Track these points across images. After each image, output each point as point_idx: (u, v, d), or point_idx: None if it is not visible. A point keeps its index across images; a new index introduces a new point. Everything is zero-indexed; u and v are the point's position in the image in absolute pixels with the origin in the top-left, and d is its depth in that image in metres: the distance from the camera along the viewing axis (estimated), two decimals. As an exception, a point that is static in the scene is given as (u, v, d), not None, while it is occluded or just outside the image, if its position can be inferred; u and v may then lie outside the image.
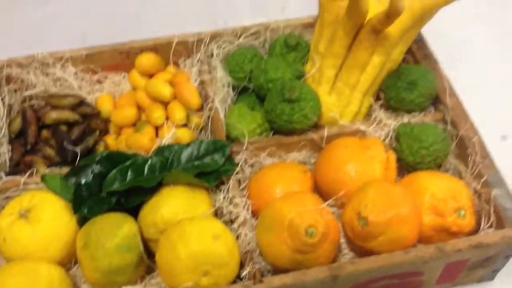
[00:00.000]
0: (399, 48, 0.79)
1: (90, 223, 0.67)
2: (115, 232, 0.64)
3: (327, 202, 0.67)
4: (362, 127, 0.78)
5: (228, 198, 0.71)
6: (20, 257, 0.65)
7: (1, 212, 0.68)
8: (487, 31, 1.05)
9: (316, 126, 0.78)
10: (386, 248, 0.65)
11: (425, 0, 0.73)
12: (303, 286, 0.63)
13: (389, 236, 0.65)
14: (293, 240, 0.62)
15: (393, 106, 0.79)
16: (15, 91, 0.85)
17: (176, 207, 0.68)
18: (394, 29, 0.74)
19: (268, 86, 0.80)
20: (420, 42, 0.85)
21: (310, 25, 0.89)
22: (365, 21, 0.73)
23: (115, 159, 0.71)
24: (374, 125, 0.78)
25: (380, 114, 0.80)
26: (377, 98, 0.82)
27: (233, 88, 0.85)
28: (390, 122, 0.78)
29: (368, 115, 0.82)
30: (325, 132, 0.77)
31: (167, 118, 0.82)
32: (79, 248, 0.65)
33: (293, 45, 0.84)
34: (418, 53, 0.84)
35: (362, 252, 0.68)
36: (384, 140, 0.77)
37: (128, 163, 0.71)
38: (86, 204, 0.69)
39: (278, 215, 0.65)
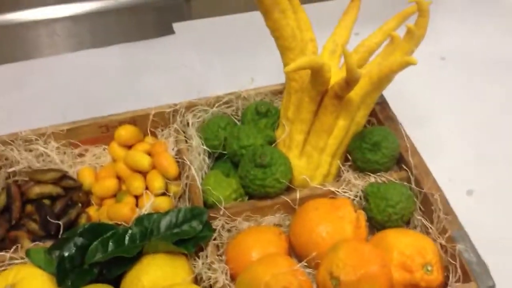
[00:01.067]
0: (362, 111, 0.84)
1: None
2: (98, 304, 0.66)
3: (300, 264, 0.70)
4: (332, 188, 0.82)
5: (206, 263, 0.74)
6: (6, 333, 0.67)
7: (-14, 290, 0.70)
8: (449, 90, 1.12)
9: (289, 189, 0.82)
10: (360, 307, 0.68)
11: (381, 66, 0.78)
12: None
13: (361, 294, 0.68)
14: (269, 303, 0.65)
15: (360, 167, 0.84)
16: (0, 168, 0.88)
17: (157, 276, 0.70)
18: (355, 93, 0.79)
19: (241, 152, 0.84)
20: (382, 104, 0.91)
21: (279, 92, 0.94)
22: (329, 88, 0.79)
23: (97, 230, 0.74)
24: (343, 186, 0.82)
25: (348, 175, 0.84)
26: (346, 160, 0.86)
27: (209, 155, 0.90)
28: (359, 183, 0.82)
29: (338, 176, 0.86)
30: (297, 194, 0.81)
31: (146, 188, 0.86)
32: None
33: (263, 112, 0.89)
34: (381, 114, 0.90)
35: (336, 310, 0.70)
36: (353, 200, 0.81)
37: (109, 234, 0.74)
38: (69, 277, 0.71)
39: (254, 278, 0.68)
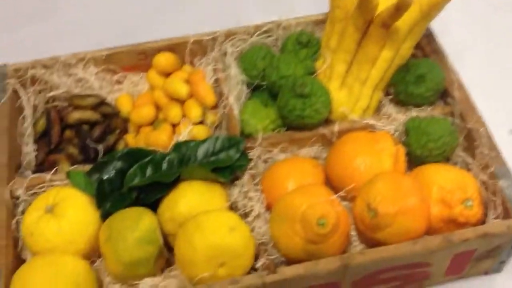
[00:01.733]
0: (408, 43, 0.81)
1: (112, 217, 0.70)
2: (136, 226, 0.68)
3: (338, 194, 0.69)
4: (372, 122, 0.80)
5: (242, 192, 0.74)
6: (46, 251, 0.69)
7: (28, 208, 0.72)
8: (495, 25, 1.06)
9: (327, 122, 0.81)
10: (394, 239, 0.67)
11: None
12: (315, 276, 0.66)
13: (398, 227, 0.67)
14: (305, 231, 0.65)
15: (402, 101, 0.81)
16: (39, 92, 0.88)
17: (193, 202, 0.71)
18: (403, 23, 0.76)
19: (280, 82, 0.82)
20: (429, 36, 0.87)
21: (321, 22, 0.91)
22: (375, 16, 0.75)
23: (135, 155, 0.75)
24: (383, 119, 0.80)
25: (389, 108, 0.82)
26: (387, 93, 0.84)
27: (247, 86, 0.88)
28: (399, 117, 0.80)
29: (377, 110, 0.84)
30: (336, 127, 0.80)
31: (183, 116, 0.85)
32: (102, 242, 0.69)
33: (304, 42, 0.86)
34: (427, 47, 0.86)
35: (372, 243, 0.70)
36: (393, 134, 0.79)
37: (147, 159, 0.74)
38: (108, 200, 0.72)
39: (290, 207, 0.67)
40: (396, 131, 0.80)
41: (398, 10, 0.72)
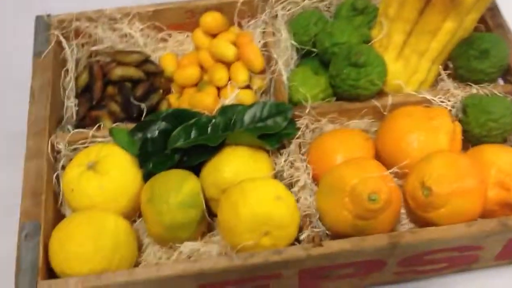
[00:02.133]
0: (472, 15, 0.76)
1: (154, 178, 0.68)
2: (179, 188, 0.66)
3: (390, 170, 0.66)
4: (428, 97, 0.76)
5: (288, 161, 0.72)
6: (87, 208, 0.68)
7: (69, 164, 0.71)
8: None
9: (380, 94, 0.77)
10: (447, 220, 0.64)
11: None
12: (361, 252, 0.64)
13: (452, 208, 0.64)
14: (355, 205, 0.62)
15: (461, 76, 0.77)
16: (83, 45, 0.86)
17: (238, 168, 0.69)
18: (469, -6, 0.72)
19: (333, 50, 0.78)
20: (493, 10, 0.82)
21: (378, -12, 0.87)
22: (441, -16, 0.71)
23: (181, 116, 0.73)
24: (440, 94, 0.76)
25: (447, 83, 0.78)
26: (445, 67, 0.79)
27: (297, 51, 0.85)
28: (458, 93, 0.76)
29: (434, 84, 0.80)
30: (389, 100, 0.76)
31: (229, 79, 0.82)
32: (143, 203, 0.67)
33: (361, 9, 0.82)
34: (491, 21, 0.81)
35: (422, 222, 0.67)
36: (450, 110, 0.75)
37: (192, 121, 0.72)
38: (151, 160, 0.70)
39: (340, 181, 0.65)
40: (453, 108, 0.76)
41: (467, -20, 0.67)
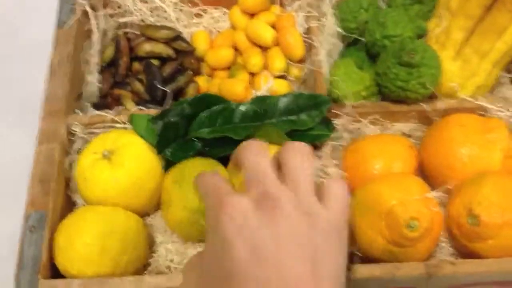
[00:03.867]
0: (546, 15, 0.66)
1: (184, 163, 0.63)
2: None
3: (436, 191, 0.59)
4: (486, 104, 0.67)
5: (320, 165, 0.65)
6: (99, 199, 0.63)
7: (84, 150, 0.66)
8: None
9: (430, 96, 0.68)
10: (495, 253, 0.57)
11: None
12: (392, 280, 0.57)
13: (502, 240, 0.56)
14: (391, 230, 0.55)
15: (527, 84, 0.68)
16: (111, 16, 0.80)
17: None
18: (547, -7, 0.62)
19: (383, 43, 0.70)
20: None
21: (440, -26, 0.77)
22: (513, -21, 0.62)
23: (208, 102, 0.66)
24: (499, 103, 0.67)
25: (508, 90, 0.69)
26: (507, 71, 0.71)
27: (342, 40, 0.76)
28: (520, 102, 0.67)
29: (491, 90, 0.71)
30: (441, 104, 0.68)
31: (264, 66, 0.75)
32: (169, 185, 0.62)
33: (419, -3, 0.73)
34: None
35: (463, 251, 0.60)
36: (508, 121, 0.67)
37: (219, 107, 0.65)
38: (171, 146, 0.65)
39: (376, 199, 0.57)
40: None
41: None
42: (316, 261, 0.37)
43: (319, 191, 0.41)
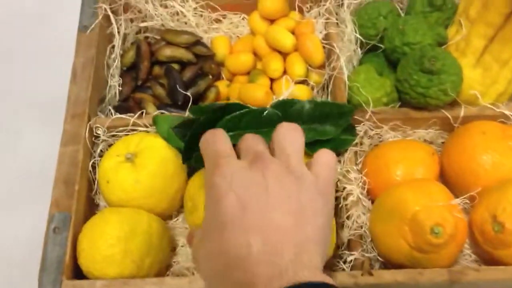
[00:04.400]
0: None
1: None
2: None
3: (459, 199, 0.59)
4: (507, 112, 0.67)
5: (343, 171, 0.65)
6: (122, 202, 0.63)
7: (107, 153, 0.66)
8: None
9: (452, 103, 0.69)
10: (519, 260, 0.57)
11: None
12: (415, 286, 0.57)
13: (526, 247, 0.56)
14: (415, 236, 0.56)
15: (547, 92, 0.68)
16: (132, 20, 0.81)
17: None
18: None
19: (403, 50, 0.70)
20: None
21: (460, -18, 0.78)
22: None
23: (231, 110, 0.66)
24: (521, 111, 0.68)
25: (529, 98, 0.69)
26: (528, 79, 0.71)
27: (361, 46, 0.77)
28: (542, 110, 0.67)
29: (512, 98, 0.72)
30: (462, 111, 0.68)
31: (284, 71, 0.76)
32: (195, 189, 0.61)
33: (438, 4, 0.73)
34: None
35: (487, 258, 0.60)
36: (530, 130, 0.67)
37: (242, 111, 0.65)
38: (194, 154, 0.64)
39: (400, 205, 0.58)
40: (534, 127, 0.67)
41: None
42: (300, 218, 0.41)
43: (309, 163, 0.45)
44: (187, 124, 0.64)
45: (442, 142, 0.70)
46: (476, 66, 0.69)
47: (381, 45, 0.74)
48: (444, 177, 0.67)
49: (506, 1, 0.64)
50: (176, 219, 0.67)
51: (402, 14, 0.77)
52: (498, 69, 0.68)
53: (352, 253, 0.60)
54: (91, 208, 0.67)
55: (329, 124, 0.65)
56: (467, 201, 0.62)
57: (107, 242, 0.58)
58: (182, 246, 0.65)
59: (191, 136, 0.64)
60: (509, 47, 0.66)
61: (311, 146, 0.63)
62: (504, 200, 0.57)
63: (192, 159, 0.64)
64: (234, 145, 0.63)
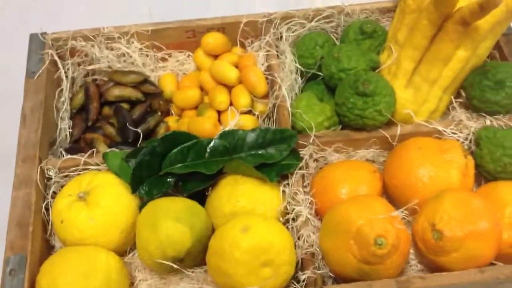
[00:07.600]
0: (486, 42, 0.72)
1: (154, 204, 0.65)
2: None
3: (399, 210, 0.62)
4: (440, 128, 0.72)
5: (291, 193, 0.68)
6: (77, 240, 0.64)
7: (60, 193, 0.67)
8: None
9: (388, 123, 0.73)
10: (459, 265, 0.60)
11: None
12: (366, 298, 0.60)
13: (465, 252, 0.60)
14: (360, 249, 0.58)
15: (475, 106, 0.73)
16: (79, 64, 0.83)
17: (254, 198, 0.66)
18: (485, 21, 0.68)
19: (339, 75, 0.75)
20: (509, 36, 0.78)
21: (387, 10, 0.83)
22: (454, 11, 0.67)
23: (178, 139, 0.68)
24: (452, 126, 0.72)
25: (460, 114, 0.74)
26: (456, 96, 0.76)
27: (301, 75, 0.81)
28: (471, 124, 0.72)
29: (445, 114, 0.76)
30: (398, 130, 0.72)
31: (230, 103, 0.79)
32: (141, 227, 0.63)
33: (369, 32, 0.79)
34: (506, 48, 0.77)
35: (431, 266, 0.63)
36: (462, 143, 0.71)
37: (190, 143, 0.68)
38: (145, 183, 0.66)
39: (345, 220, 0.61)
40: (465, 140, 0.72)
41: (483, 10, 0.64)
42: None
43: None
44: (138, 153, 0.66)
45: (384, 161, 0.74)
46: (408, 86, 0.74)
47: (320, 73, 0.79)
48: (387, 193, 0.70)
49: (431, 23, 0.69)
50: (132, 253, 0.68)
51: (338, 43, 0.82)
52: (428, 88, 0.73)
53: (305, 272, 0.62)
54: (47, 250, 0.67)
55: (273, 149, 0.69)
56: (407, 212, 0.65)
57: (67, 280, 0.59)
58: (140, 280, 0.66)
59: (138, 163, 0.66)
60: (435, 67, 0.71)
61: (258, 169, 0.66)
62: (441, 208, 0.61)
63: (141, 187, 0.66)
64: (182, 175, 0.67)
